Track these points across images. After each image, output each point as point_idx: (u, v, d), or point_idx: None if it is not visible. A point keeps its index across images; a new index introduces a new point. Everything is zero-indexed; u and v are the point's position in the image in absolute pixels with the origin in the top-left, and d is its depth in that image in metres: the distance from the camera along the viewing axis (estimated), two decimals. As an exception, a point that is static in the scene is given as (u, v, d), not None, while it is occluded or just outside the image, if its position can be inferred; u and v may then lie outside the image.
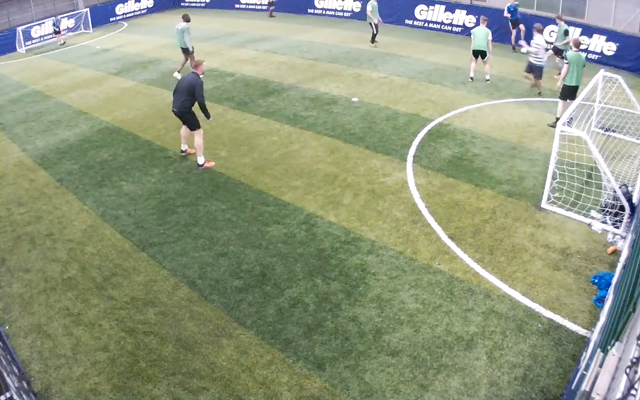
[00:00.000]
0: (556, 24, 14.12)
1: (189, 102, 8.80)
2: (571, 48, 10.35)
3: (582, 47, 14.83)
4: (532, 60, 11.76)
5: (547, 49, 12.19)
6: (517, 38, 15.84)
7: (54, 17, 23.05)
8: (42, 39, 23.00)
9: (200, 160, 9.19)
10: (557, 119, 9.22)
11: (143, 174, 9.18)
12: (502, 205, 7.49)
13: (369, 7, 16.85)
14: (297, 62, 15.65)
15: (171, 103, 9.04)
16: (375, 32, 16.98)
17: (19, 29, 22.57)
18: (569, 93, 9.90)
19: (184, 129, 9.40)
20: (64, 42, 22.68)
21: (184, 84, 8.79)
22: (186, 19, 14.02)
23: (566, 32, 13.59)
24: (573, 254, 6.37)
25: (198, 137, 9.05)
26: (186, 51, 14.34)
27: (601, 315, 4.87)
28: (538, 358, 4.90)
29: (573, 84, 9.85)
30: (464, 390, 4.63)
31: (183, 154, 9.72)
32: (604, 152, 8.00)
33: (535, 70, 11.77)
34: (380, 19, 16.98)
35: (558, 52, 13.77)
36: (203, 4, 28.17)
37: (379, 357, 5.02)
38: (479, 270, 6.15)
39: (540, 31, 12.02)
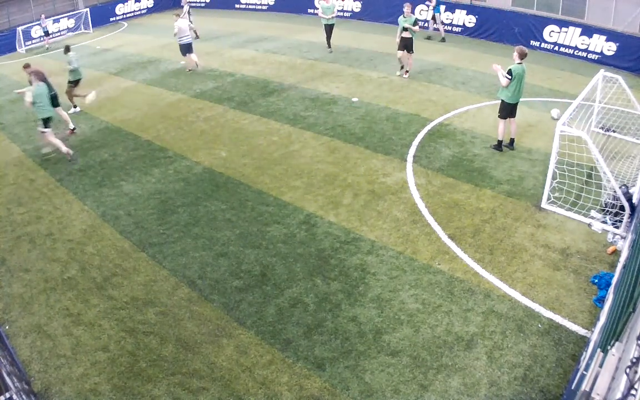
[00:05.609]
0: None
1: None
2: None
3: (582, 46, 14.97)
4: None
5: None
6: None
7: (41, 19, 22.32)
8: (42, 39, 22.97)
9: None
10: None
11: (143, 174, 9.18)
12: (502, 205, 7.49)
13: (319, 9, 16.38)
14: (297, 62, 15.64)
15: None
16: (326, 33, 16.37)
17: (19, 29, 22.55)
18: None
19: None
20: (48, 48, 21.99)
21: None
22: None
23: (415, 22, 13.15)
24: (573, 254, 6.37)
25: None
26: None
27: (601, 315, 4.86)
28: (538, 358, 4.90)
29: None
30: (464, 390, 4.63)
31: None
32: (604, 152, 8.00)
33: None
34: (332, 16, 16.28)
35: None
36: (203, 4, 28.14)
37: (379, 357, 5.02)
38: (479, 270, 6.15)
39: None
